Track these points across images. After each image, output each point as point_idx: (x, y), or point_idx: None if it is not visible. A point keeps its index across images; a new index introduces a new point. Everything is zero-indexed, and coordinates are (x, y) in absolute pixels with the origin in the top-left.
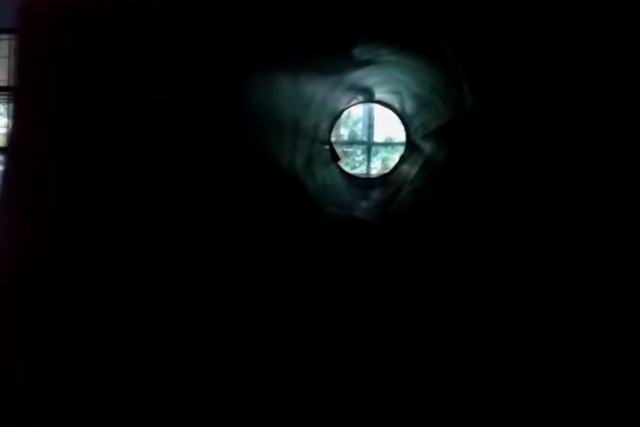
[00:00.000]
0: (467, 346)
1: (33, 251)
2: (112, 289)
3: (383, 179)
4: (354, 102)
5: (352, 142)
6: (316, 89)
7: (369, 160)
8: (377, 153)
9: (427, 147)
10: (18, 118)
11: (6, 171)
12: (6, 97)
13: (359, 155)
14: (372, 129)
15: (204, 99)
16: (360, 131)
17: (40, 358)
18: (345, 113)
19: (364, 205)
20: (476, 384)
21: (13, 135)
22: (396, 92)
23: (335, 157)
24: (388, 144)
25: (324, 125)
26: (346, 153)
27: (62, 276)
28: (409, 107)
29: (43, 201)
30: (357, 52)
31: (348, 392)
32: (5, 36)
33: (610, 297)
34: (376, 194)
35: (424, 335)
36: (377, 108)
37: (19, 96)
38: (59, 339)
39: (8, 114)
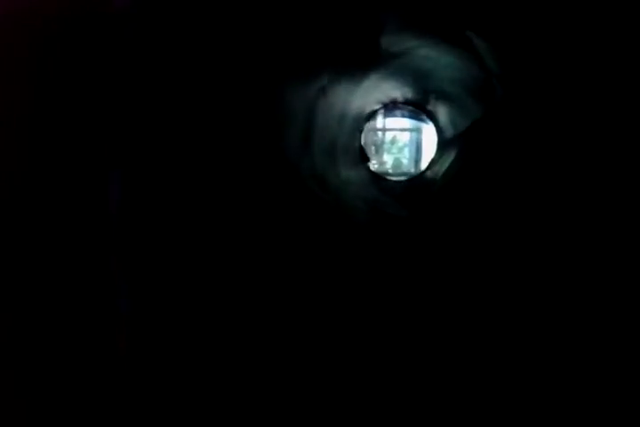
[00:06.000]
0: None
1: None
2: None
3: (412, 180)
4: (384, 102)
5: (396, 174)
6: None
7: None
8: None
9: (457, 146)
10: None
11: None
12: None
13: None
14: (420, 158)
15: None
16: (406, 159)
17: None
18: (388, 138)
19: (390, 201)
20: (477, 382)
21: None
22: (428, 91)
23: (364, 158)
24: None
25: (354, 122)
26: None
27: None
28: (438, 105)
29: None
30: (385, 43)
31: (351, 388)
32: None
33: (610, 297)
34: (404, 192)
35: (445, 330)
36: (425, 131)
37: None
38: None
39: None
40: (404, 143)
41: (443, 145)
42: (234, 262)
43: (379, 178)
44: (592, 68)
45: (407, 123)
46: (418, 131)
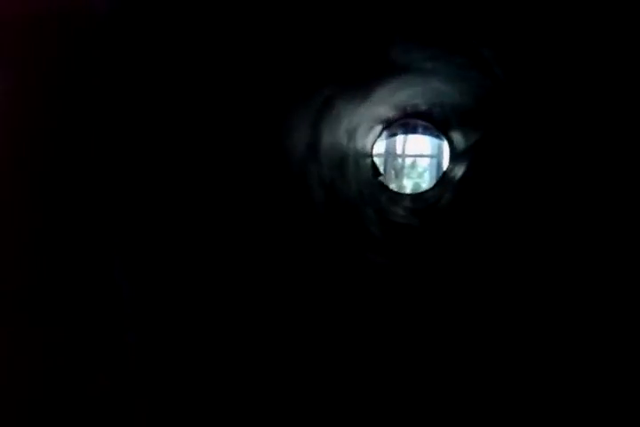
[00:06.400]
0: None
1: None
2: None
3: (423, 193)
4: (399, 114)
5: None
6: (359, 104)
7: None
8: None
9: (467, 159)
10: None
11: None
12: None
13: None
14: None
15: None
16: (425, 184)
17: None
18: (408, 162)
19: (400, 211)
20: (479, 383)
21: None
22: (438, 104)
23: (377, 173)
24: None
25: (365, 137)
26: None
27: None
28: (450, 118)
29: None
30: (394, 54)
31: (354, 389)
32: None
33: (610, 298)
34: (414, 204)
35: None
36: (446, 155)
37: None
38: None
39: None
40: (424, 168)
41: (454, 157)
42: (243, 269)
43: (391, 191)
44: (601, 77)
45: (427, 146)
46: (439, 156)
